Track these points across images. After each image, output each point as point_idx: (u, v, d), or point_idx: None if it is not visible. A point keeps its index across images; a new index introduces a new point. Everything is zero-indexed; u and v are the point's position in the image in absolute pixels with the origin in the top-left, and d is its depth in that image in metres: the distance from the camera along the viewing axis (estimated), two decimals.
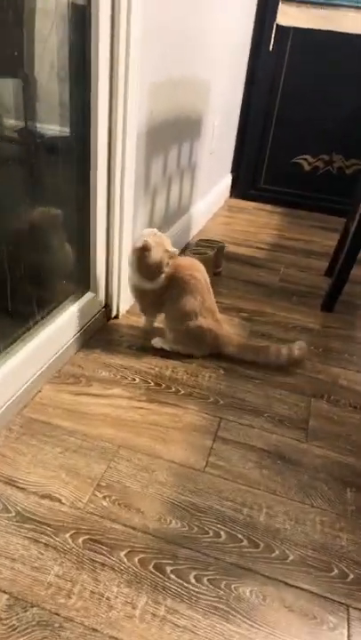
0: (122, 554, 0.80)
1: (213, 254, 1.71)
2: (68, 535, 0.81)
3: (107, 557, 0.79)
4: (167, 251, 1.21)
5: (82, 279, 1.28)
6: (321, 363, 1.36)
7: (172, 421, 1.09)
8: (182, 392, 1.18)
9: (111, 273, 1.35)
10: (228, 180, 2.71)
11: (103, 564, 0.78)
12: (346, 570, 0.82)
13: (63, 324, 1.17)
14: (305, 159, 2.60)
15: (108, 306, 1.40)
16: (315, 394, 1.23)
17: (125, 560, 0.79)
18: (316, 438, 1.09)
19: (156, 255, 1.19)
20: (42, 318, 1.12)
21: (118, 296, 1.41)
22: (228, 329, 1.37)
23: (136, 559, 0.79)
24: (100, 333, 1.37)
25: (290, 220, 2.55)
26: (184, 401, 1.15)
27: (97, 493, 0.90)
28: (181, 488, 0.93)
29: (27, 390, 1.07)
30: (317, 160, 2.59)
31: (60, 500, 0.87)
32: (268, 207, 2.72)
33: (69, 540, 0.81)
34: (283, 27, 2.32)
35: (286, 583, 0.79)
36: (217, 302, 1.48)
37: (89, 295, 1.29)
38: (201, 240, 1.81)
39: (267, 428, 1.10)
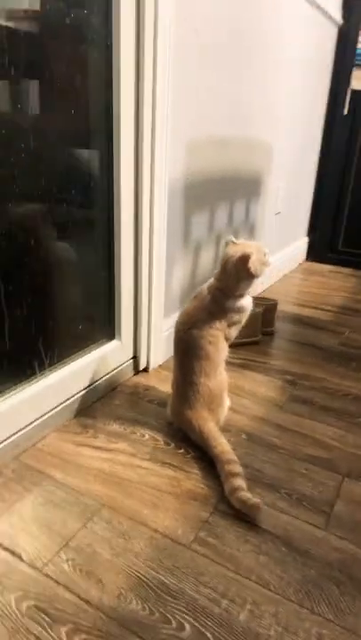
0: (63, 630, 0.69)
1: (261, 312, 1.61)
2: (13, 596, 0.73)
3: (44, 630, 0.69)
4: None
5: (105, 326, 1.26)
6: None
7: (171, 485, 0.98)
8: (191, 454, 1.07)
9: (140, 323, 1.32)
10: (302, 242, 2.63)
11: (38, 638, 0.68)
12: None
13: (77, 371, 1.15)
14: None
15: (136, 357, 1.36)
16: (350, 473, 1.04)
17: (64, 638, 0.68)
18: (340, 527, 0.89)
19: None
20: (50, 363, 1.11)
21: (148, 348, 1.37)
22: (198, 413, 1.07)
23: (76, 639, 0.68)
24: (124, 385, 1.32)
25: None
26: (190, 465, 1.04)
27: (62, 555, 0.81)
28: (157, 563, 0.80)
29: (27, 435, 1.04)
30: None
31: (20, 556, 0.80)
32: (348, 271, 2.57)
33: (12, 603, 0.72)
34: (358, 90, 2.29)
35: None
36: (263, 363, 1.36)
37: (113, 344, 1.27)
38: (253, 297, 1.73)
39: (280, 506, 0.94)
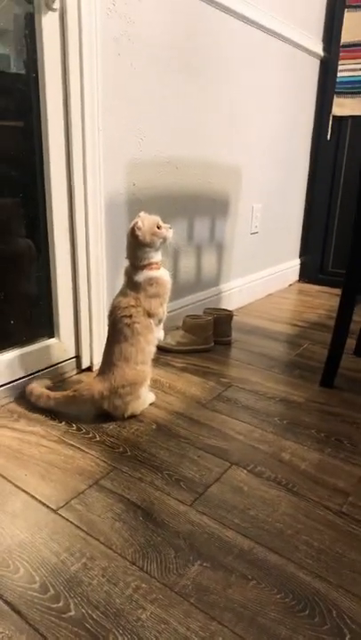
0: None
1: (212, 320, 1.68)
2: None
3: None
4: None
5: (43, 325, 1.39)
6: (274, 434, 1.19)
7: (64, 462, 1.06)
8: (97, 438, 1.15)
9: (80, 327, 1.44)
10: (293, 263, 2.68)
11: None
12: None
13: (11, 362, 1.28)
14: None
15: (78, 357, 1.47)
16: (239, 462, 1.08)
17: None
18: (205, 505, 0.94)
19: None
20: None
21: (91, 349, 1.48)
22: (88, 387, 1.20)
23: None
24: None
25: None
26: (91, 446, 1.12)
27: None
28: (21, 521, 0.89)
29: None
30: None
31: None
32: (336, 291, 2.57)
33: None
34: (341, 116, 2.37)
35: (43, 635, 0.68)
36: (205, 367, 1.44)
37: (52, 341, 1.40)
38: (209, 308, 1.81)
39: (156, 484, 1.00)
